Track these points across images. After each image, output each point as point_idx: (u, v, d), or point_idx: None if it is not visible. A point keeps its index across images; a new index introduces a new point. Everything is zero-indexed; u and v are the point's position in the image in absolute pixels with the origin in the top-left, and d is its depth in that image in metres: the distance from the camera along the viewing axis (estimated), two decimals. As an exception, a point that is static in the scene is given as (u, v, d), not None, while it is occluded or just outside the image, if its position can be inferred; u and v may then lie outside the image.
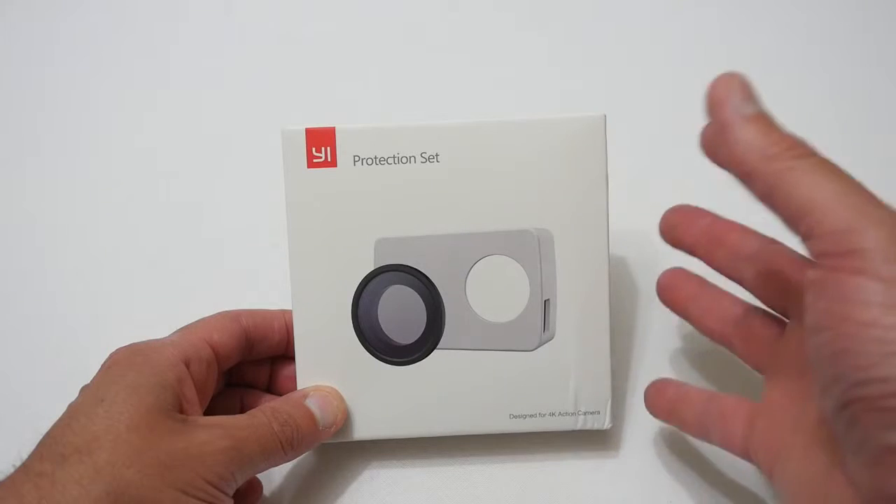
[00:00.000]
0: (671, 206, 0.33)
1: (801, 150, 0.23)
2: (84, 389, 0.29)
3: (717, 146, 0.24)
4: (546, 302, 0.33)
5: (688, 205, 0.33)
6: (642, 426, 0.36)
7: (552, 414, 0.33)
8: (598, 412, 0.33)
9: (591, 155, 0.32)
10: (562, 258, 0.33)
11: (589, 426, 0.33)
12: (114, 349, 0.30)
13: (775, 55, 0.44)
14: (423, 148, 0.32)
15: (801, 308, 0.25)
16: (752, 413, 0.29)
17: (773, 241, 0.30)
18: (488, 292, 0.33)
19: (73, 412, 0.27)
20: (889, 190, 0.40)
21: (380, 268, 0.33)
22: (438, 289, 0.33)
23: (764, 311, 0.31)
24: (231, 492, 0.28)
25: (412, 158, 0.32)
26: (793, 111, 0.42)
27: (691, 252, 0.32)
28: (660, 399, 0.33)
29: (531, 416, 0.33)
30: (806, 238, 0.22)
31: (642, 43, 0.44)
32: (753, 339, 0.30)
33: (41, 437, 0.27)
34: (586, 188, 0.32)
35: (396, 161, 0.32)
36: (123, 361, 0.29)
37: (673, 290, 0.34)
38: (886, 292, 0.20)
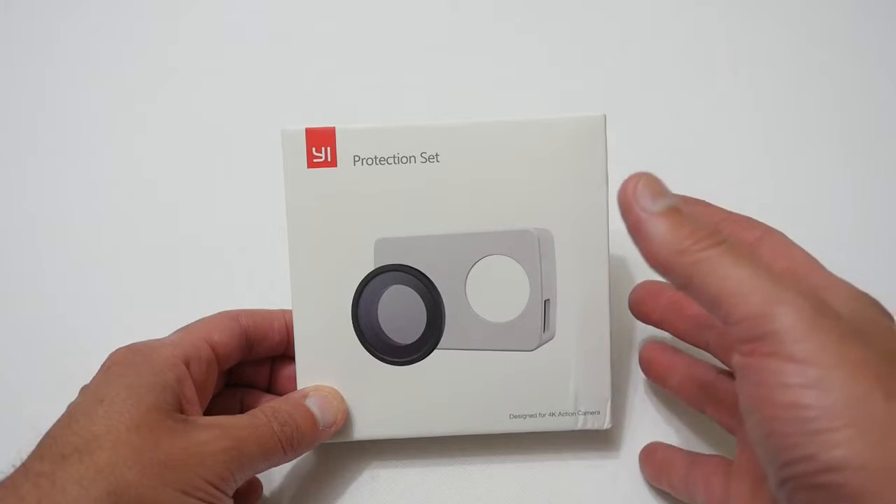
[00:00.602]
0: (637, 284, 0.35)
1: (711, 241, 0.24)
2: (84, 389, 0.29)
3: (634, 242, 0.25)
4: (546, 302, 0.33)
5: (652, 281, 0.35)
6: (642, 426, 0.36)
7: (552, 414, 0.33)
8: (598, 412, 0.33)
9: (591, 155, 0.32)
10: (562, 258, 0.33)
11: (589, 426, 0.33)
12: (114, 349, 0.30)
13: (775, 55, 0.44)
14: (423, 148, 0.32)
15: None
16: (728, 474, 0.30)
17: None
18: (488, 292, 0.33)
19: (72, 412, 0.27)
20: (889, 190, 0.41)
21: (380, 268, 0.33)
22: (438, 289, 0.33)
23: (730, 374, 0.32)
24: (231, 492, 0.28)
25: (412, 158, 0.32)
26: (793, 111, 0.43)
27: (658, 325, 0.34)
28: (650, 464, 0.34)
29: (531, 416, 0.33)
30: (725, 326, 0.23)
31: (642, 43, 0.44)
32: (721, 403, 0.31)
33: (41, 437, 0.27)
34: (586, 188, 0.32)
35: (396, 161, 0.32)
36: (123, 361, 0.29)
37: (652, 363, 0.35)
38: (800, 372, 0.21)
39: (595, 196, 0.32)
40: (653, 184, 0.25)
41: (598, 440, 0.35)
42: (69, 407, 0.28)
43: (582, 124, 0.32)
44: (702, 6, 0.45)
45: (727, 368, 0.32)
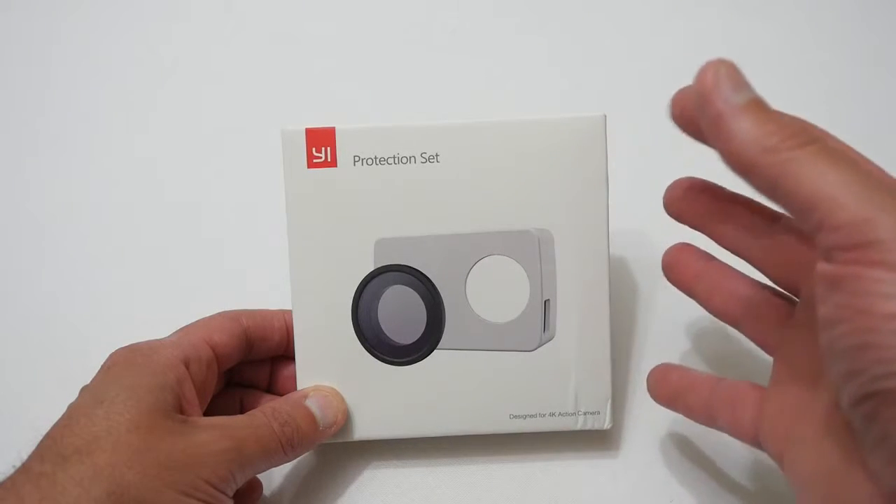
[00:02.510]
0: (675, 181, 0.31)
1: (803, 139, 0.22)
2: (84, 390, 0.29)
3: (710, 139, 0.23)
4: (546, 302, 0.33)
5: (694, 178, 0.30)
6: (642, 426, 0.36)
7: (552, 414, 0.33)
8: (598, 412, 0.33)
9: (591, 155, 0.32)
10: (562, 258, 0.33)
11: (589, 426, 0.33)
12: (114, 349, 0.30)
13: (775, 55, 0.44)
14: (423, 148, 0.32)
15: (812, 286, 0.24)
16: (760, 398, 0.28)
17: (781, 216, 0.29)
18: (488, 292, 0.33)
19: (72, 413, 0.27)
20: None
21: (380, 268, 0.33)
22: (438, 289, 0.33)
23: (773, 289, 0.30)
24: (231, 492, 0.28)
25: (412, 158, 0.32)
26: (793, 111, 0.42)
27: (698, 227, 0.30)
28: (663, 384, 0.32)
29: (531, 416, 0.33)
30: (816, 232, 0.21)
31: (642, 43, 0.44)
32: (762, 319, 0.29)
33: (41, 437, 0.27)
34: (586, 188, 0.32)
35: (396, 161, 0.32)
36: (123, 362, 0.29)
37: (678, 268, 0.32)
38: None
39: (595, 196, 0.32)
40: (734, 73, 0.23)
41: (598, 440, 0.35)
42: (69, 407, 0.28)
43: (582, 124, 0.32)
44: (702, 5, 0.45)
45: (768, 283, 0.30)
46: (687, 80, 0.43)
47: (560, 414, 0.33)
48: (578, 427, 0.33)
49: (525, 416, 0.33)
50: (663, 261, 0.32)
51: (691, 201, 0.30)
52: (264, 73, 0.44)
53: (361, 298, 0.33)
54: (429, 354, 0.33)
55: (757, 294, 0.30)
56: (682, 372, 0.32)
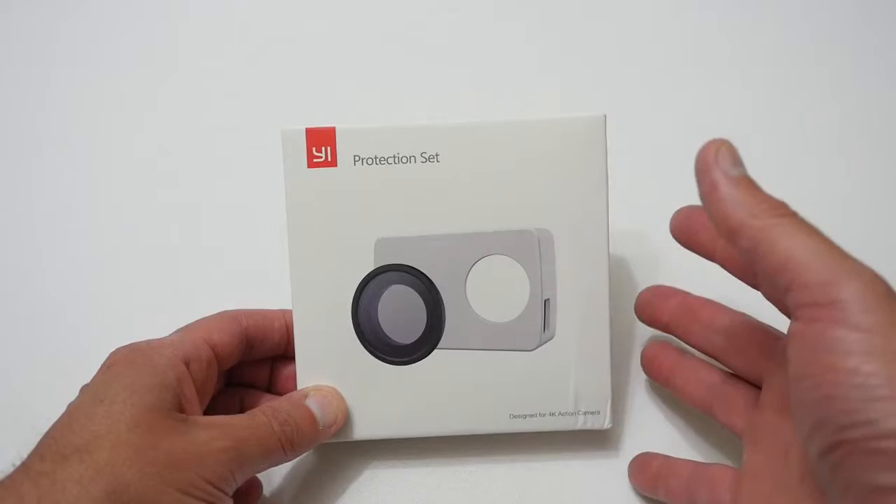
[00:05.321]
0: (644, 288, 0.35)
1: (783, 211, 0.25)
2: (84, 389, 0.29)
3: (705, 205, 0.26)
4: (546, 302, 0.33)
5: (661, 285, 0.35)
6: (642, 426, 0.36)
7: (552, 414, 0.33)
8: (598, 412, 0.33)
9: (591, 155, 0.32)
10: (562, 258, 0.33)
11: (589, 426, 0.33)
12: (114, 349, 0.30)
13: (775, 55, 0.44)
14: (423, 148, 0.32)
15: (772, 372, 0.29)
16: (736, 478, 0.30)
17: (742, 315, 0.32)
18: (488, 292, 0.33)
19: (72, 412, 0.27)
20: (889, 190, 0.41)
21: (380, 268, 0.33)
22: (438, 289, 0.33)
23: (739, 378, 0.32)
24: (231, 491, 0.28)
25: (412, 158, 0.32)
26: (793, 111, 0.43)
27: (667, 329, 0.34)
28: (644, 472, 0.34)
29: (531, 416, 0.33)
30: (786, 291, 0.24)
31: (642, 43, 0.44)
32: (731, 406, 0.31)
33: (41, 436, 0.27)
34: (586, 188, 0.32)
35: (396, 161, 0.32)
36: (123, 361, 0.29)
37: (655, 362, 0.35)
38: (865, 341, 0.22)
39: (595, 196, 0.32)
40: (733, 151, 0.26)
41: (598, 440, 0.35)
42: (69, 407, 0.28)
43: (582, 124, 0.32)
44: (702, 6, 0.45)
45: (734, 372, 0.32)
46: (687, 79, 0.43)
47: (560, 414, 0.33)
48: (578, 427, 0.33)
49: (525, 416, 0.33)
50: (642, 357, 0.36)
51: (661, 306, 0.34)
52: (264, 72, 0.44)
53: (361, 298, 0.33)
54: (429, 354, 0.33)
55: (725, 384, 0.32)
56: (662, 460, 0.33)
